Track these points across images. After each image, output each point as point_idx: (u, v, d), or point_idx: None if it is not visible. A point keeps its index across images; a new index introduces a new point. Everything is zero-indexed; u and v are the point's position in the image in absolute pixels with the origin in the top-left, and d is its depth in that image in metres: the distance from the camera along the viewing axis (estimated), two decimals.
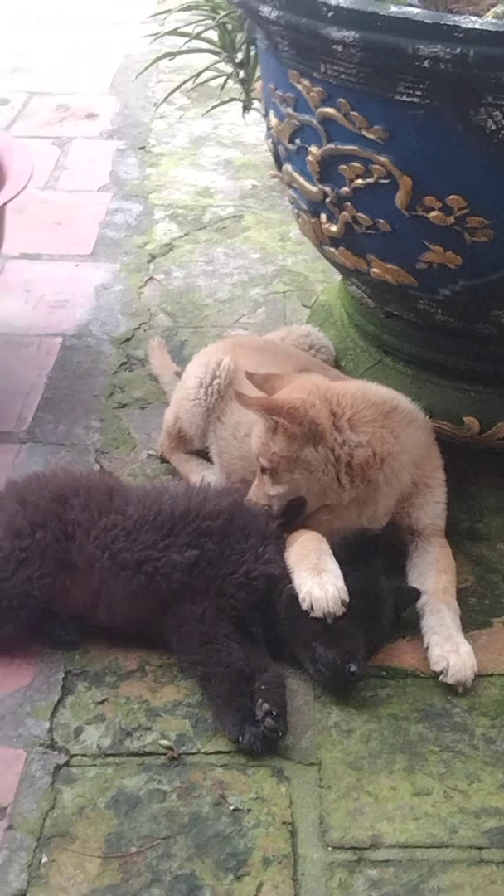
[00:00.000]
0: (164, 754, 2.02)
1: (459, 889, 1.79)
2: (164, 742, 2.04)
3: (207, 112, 3.75)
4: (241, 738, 2.01)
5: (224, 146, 4.31)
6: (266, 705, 2.03)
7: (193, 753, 2.02)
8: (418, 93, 2.17)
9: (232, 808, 1.92)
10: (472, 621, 2.27)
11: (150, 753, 2.02)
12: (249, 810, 1.92)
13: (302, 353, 2.67)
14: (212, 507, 2.27)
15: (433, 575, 2.30)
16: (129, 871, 1.82)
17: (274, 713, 2.02)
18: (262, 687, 2.07)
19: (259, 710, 2.03)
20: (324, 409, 2.26)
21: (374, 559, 2.23)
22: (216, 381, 2.55)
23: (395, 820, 1.90)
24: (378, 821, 1.90)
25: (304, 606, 2.09)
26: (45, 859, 1.84)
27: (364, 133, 2.28)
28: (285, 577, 2.18)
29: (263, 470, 2.31)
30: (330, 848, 1.86)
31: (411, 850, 1.86)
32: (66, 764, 2.00)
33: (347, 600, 2.09)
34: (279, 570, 2.19)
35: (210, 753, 2.02)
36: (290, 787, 1.96)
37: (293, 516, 2.29)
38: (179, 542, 2.20)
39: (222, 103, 3.63)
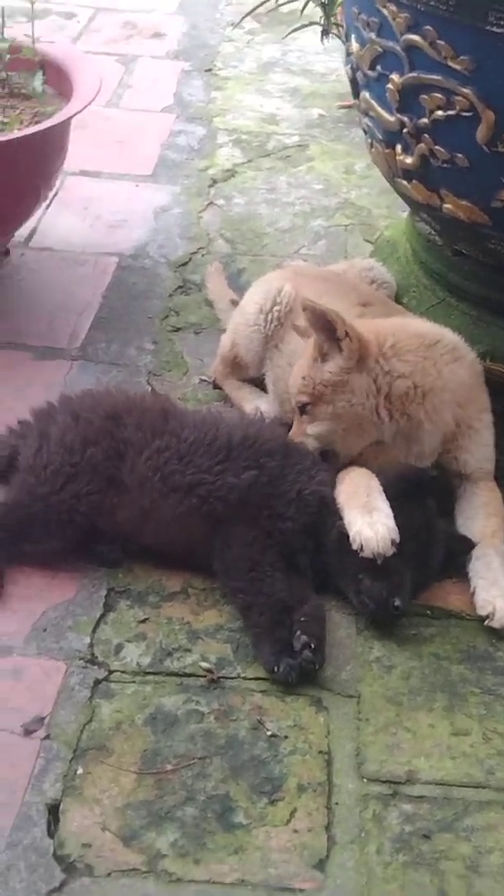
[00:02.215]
0: (204, 676, 2.01)
1: (493, 830, 1.79)
2: (204, 664, 2.03)
3: (285, 36, 3.66)
4: (276, 669, 2.00)
5: (292, 73, 4.23)
6: (304, 637, 2.02)
7: (233, 678, 2.02)
8: None
9: (269, 733, 1.92)
10: None
11: (190, 675, 2.02)
12: (286, 737, 1.92)
13: (364, 286, 2.63)
14: (270, 433, 2.26)
15: (481, 519, 2.27)
16: (164, 788, 1.83)
17: (312, 646, 2.01)
18: (303, 619, 2.06)
19: (297, 642, 2.02)
20: (369, 334, 2.24)
21: (428, 499, 2.20)
22: (276, 308, 2.52)
23: (433, 757, 1.90)
24: (415, 756, 1.89)
25: (355, 546, 2.07)
26: (80, 771, 1.85)
27: (449, 63, 2.22)
28: (335, 505, 2.16)
29: (303, 410, 2.28)
30: (365, 780, 1.86)
31: (447, 787, 1.85)
32: (106, 679, 2.00)
33: (398, 540, 2.07)
34: (329, 492, 2.17)
35: (250, 679, 2.02)
36: (329, 717, 1.96)
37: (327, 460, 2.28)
38: (237, 465, 2.18)
39: (302, 27, 3.54)
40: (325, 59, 4.18)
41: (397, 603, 2.08)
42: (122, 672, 2.02)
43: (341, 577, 2.15)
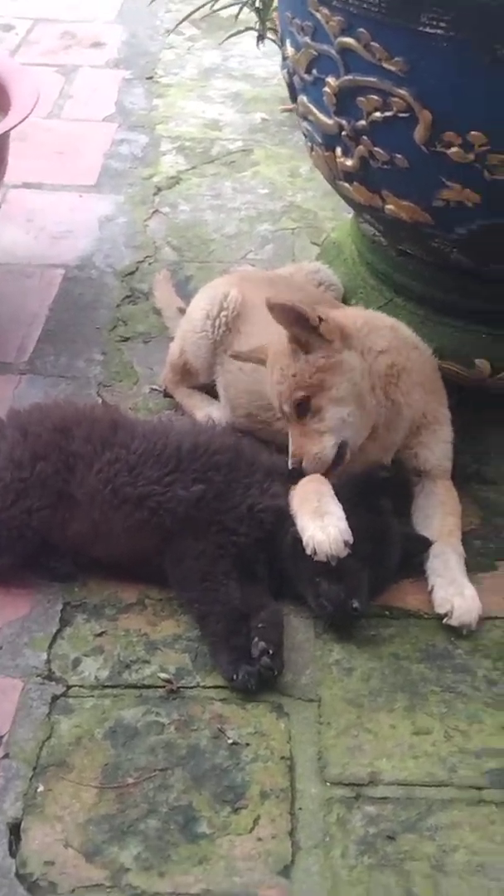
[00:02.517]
0: (163, 687, 2.00)
1: (457, 828, 1.79)
2: (163, 675, 2.02)
3: (223, 42, 3.66)
4: (235, 677, 1.99)
5: (234, 78, 4.22)
6: (262, 644, 2.01)
7: (192, 687, 2.01)
8: (442, 24, 2.12)
9: (230, 741, 1.91)
10: (477, 564, 2.25)
11: (149, 686, 2.01)
12: (248, 744, 1.91)
13: (312, 289, 2.63)
14: (220, 442, 2.25)
15: (439, 517, 2.28)
16: (126, 802, 1.82)
17: (270, 652, 2.01)
18: (260, 625, 2.06)
19: (255, 649, 2.01)
20: (339, 317, 2.27)
21: (383, 500, 2.20)
22: (223, 314, 2.51)
23: (395, 757, 1.89)
24: (377, 758, 1.89)
25: (308, 551, 2.06)
26: (41, 788, 1.83)
27: (384, 65, 2.22)
28: (291, 514, 2.16)
29: (303, 409, 2.19)
30: (328, 783, 1.85)
31: (410, 787, 1.85)
32: (64, 694, 1.99)
33: (351, 541, 2.07)
34: (285, 504, 2.17)
35: (209, 687, 2.01)
36: (290, 722, 1.95)
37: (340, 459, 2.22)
38: (186, 477, 2.17)
39: (238, 32, 3.54)
40: (266, 63, 4.18)
41: (355, 604, 2.08)
42: (81, 687, 2.00)
43: (298, 581, 2.15)
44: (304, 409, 2.20)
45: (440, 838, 1.77)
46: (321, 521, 2.09)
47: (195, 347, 2.56)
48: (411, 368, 2.30)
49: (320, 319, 2.19)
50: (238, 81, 4.20)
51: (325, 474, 2.18)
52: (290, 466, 2.19)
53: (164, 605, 2.16)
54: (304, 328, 2.20)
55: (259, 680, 1.99)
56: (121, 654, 2.06)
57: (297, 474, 2.18)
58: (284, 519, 2.15)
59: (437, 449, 2.34)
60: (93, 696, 1.99)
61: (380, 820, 1.80)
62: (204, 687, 2.01)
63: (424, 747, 1.91)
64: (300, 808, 1.81)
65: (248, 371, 2.44)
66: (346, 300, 2.75)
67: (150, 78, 4.22)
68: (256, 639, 2.03)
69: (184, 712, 1.96)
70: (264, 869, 1.72)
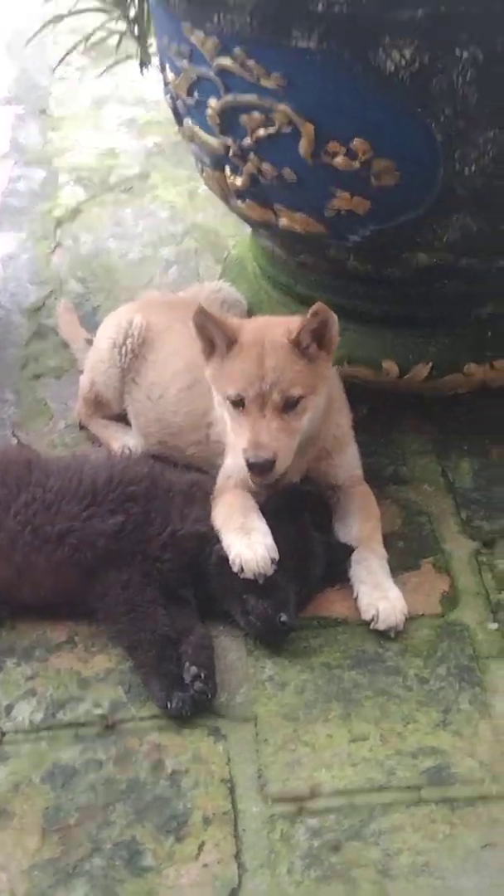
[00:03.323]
0: (99, 723, 1.99)
1: (400, 830, 1.80)
2: (98, 711, 2.01)
3: (102, 73, 3.68)
4: (169, 705, 1.99)
5: (126, 105, 4.23)
6: (194, 668, 2.02)
7: (128, 720, 2.00)
8: (315, 37, 2.14)
9: (169, 770, 1.91)
10: (402, 564, 2.27)
11: (84, 724, 2.00)
12: (187, 771, 1.91)
13: (214, 309, 2.63)
14: (134, 472, 2.24)
15: (357, 524, 2.29)
16: (69, 843, 1.80)
17: (202, 676, 2.01)
18: (189, 650, 2.06)
19: (187, 674, 2.01)
20: None
21: (303, 512, 2.21)
22: (129, 341, 2.51)
23: (333, 767, 1.90)
24: (316, 770, 1.90)
25: (235, 569, 2.07)
26: None
27: (262, 82, 2.24)
28: (214, 535, 2.16)
29: (290, 405, 2.14)
30: (270, 801, 1.85)
31: (350, 795, 1.86)
32: None
33: (277, 558, 2.08)
34: (207, 528, 2.17)
35: (145, 718, 2.00)
36: (227, 744, 1.95)
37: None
38: (103, 510, 2.17)
39: (117, 62, 3.55)
40: (157, 88, 4.16)
41: (284, 619, 2.08)
42: (15, 732, 1.98)
43: (225, 599, 2.15)
44: (291, 405, 2.16)
45: (384, 843, 1.78)
46: (248, 539, 2.09)
47: (105, 377, 2.55)
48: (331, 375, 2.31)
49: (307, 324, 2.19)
50: (131, 107, 4.22)
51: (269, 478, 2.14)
52: (254, 460, 2.10)
53: (95, 640, 2.15)
54: (313, 337, 2.19)
55: (193, 705, 1.99)
56: (54, 695, 2.05)
57: (267, 468, 2.11)
58: (206, 543, 2.15)
59: (344, 464, 2.35)
60: (28, 740, 1.97)
61: (323, 832, 1.80)
62: (140, 718, 2.00)
63: (362, 753, 1.92)
64: (244, 830, 1.81)
65: (156, 399, 2.45)
66: (251, 314, 2.76)
67: (44, 111, 4.22)
68: (188, 664, 2.03)
69: (121, 746, 1.95)
70: (212, 894, 1.72)
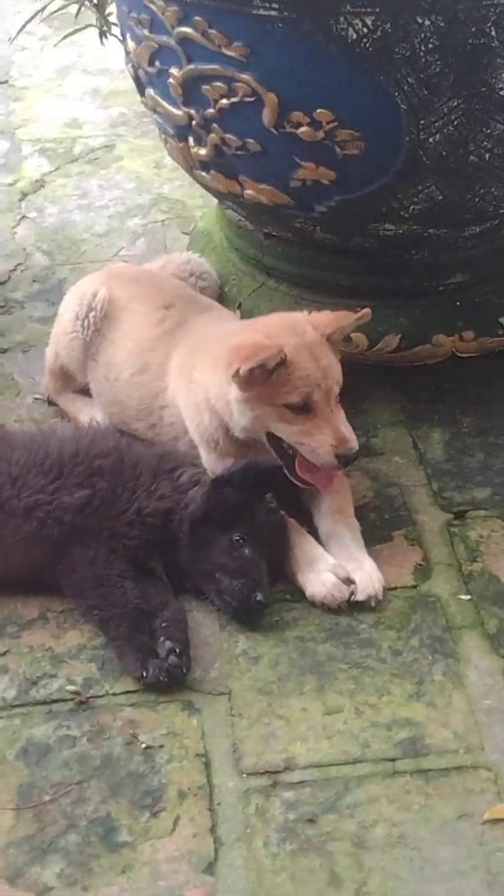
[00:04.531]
0: (72, 699, 1.99)
1: (375, 802, 1.81)
2: (71, 687, 2.01)
3: (58, 42, 3.63)
4: (145, 674, 1.99)
5: (91, 74, 4.17)
6: (168, 643, 2.02)
7: (101, 696, 2.00)
8: (276, 5, 2.13)
9: (144, 746, 1.91)
10: (374, 536, 2.27)
11: (58, 700, 1.99)
12: (162, 746, 1.91)
13: (173, 285, 2.59)
14: (102, 446, 2.23)
15: (326, 498, 2.27)
16: (44, 820, 1.80)
17: (177, 651, 2.01)
18: (164, 624, 2.06)
19: (161, 649, 2.01)
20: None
21: (270, 488, 2.20)
22: (91, 314, 2.48)
23: (308, 740, 1.90)
24: (291, 743, 1.90)
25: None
26: None
27: (224, 51, 2.22)
28: (182, 507, 2.15)
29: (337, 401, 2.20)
30: (245, 775, 1.86)
31: (325, 768, 1.86)
32: None
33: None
34: (174, 504, 2.16)
35: (118, 694, 2.00)
36: (202, 718, 1.95)
37: None
38: (69, 483, 2.16)
39: (75, 31, 3.50)
40: (122, 56, 4.12)
41: (259, 597, 2.08)
42: None
43: (199, 577, 2.15)
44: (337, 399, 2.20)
45: (359, 815, 1.79)
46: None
47: (68, 350, 2.53)
48: None
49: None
50: (95, 77, 4.16)
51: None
52: (348, 454, 2.15)
53: (67, 616, 2.14)
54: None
55: (169, 675, 1.98)
56: (26, 672, 2.04)
57: (354, 459, 2.18)
58: (173, 518, 2.14)
59: None
60: (1, 717, 1.96)
61: (298, 805, 1.81)
62: (113, 694, 2.00)
63: (336, 726, 1.93)
64: (219, 804, 1.82)
65: (112, 380, 2.44)
66: (220, 287, 2.74)
67: (5, 82, 4.15)
68: (162, 638, 2.03)
69: (95, 722, 1.95)
70: (188, 869, 1.73)
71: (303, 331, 2.20)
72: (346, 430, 2.17)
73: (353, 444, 2.16)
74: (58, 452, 2.19)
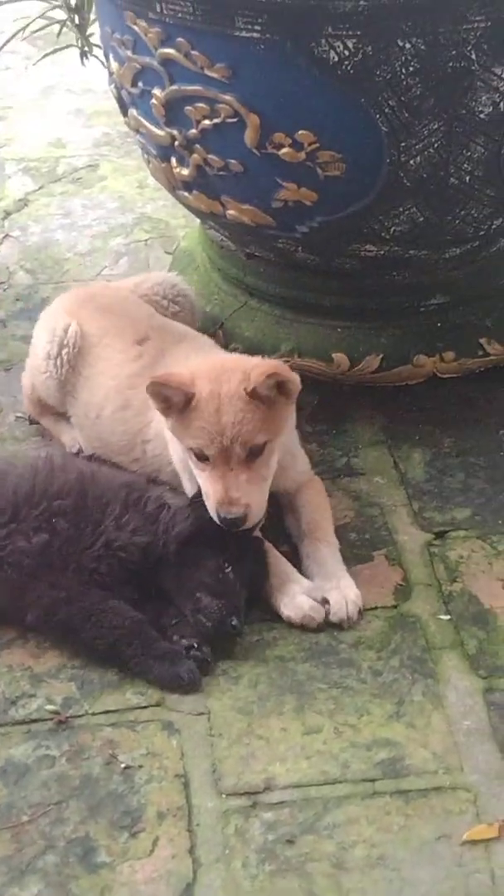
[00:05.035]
0: (51, 719, 1.98)
1: (354, 823, 1.80)
2: (50, 707, 2.00)
3: (38, 62, 3.64)
4: (183, 679, 1.99)
5: (75, 94, 4.19)
6: (184, 640, 2.04)
7: (81, 716, 1.99)
8: (258, 27, 2.14)
9: (123, 766, 1.90)
10: (354, 556, 2.27)
11: (36, 720, 1.98)
12: (141, 766, 1.90)
13: (146, 311, 2.54)
14: (62, 482, 2.17)
15: (305, 517, 2.27)
16: (22, 841, 1.79)
17: (196, 644, 2.03)
18: (173, 622, 2.07)
19: (180, 647, 2.03)
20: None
21: None
22: (65, 352, 2.43)
23: (288, 761, 1.90)
24: (270, 763, 1.89)
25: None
26: None
27: (206, 72, 2.23)
28: (163, 532, 2.13)
29: (251, 457, 2.08)
30: (224, 795, 1.85)
31: (305, 789, 1.86)
32: None
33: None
34: (152, 538, 2.12)
35: (98, 713, 1.99)
36: (181, 738, 1.94)
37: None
38: (25, 527, 2.11)
39: (55, 51, 3.52)
40: (105, 76, 4.14)
41: (234, 622, 2.07)
42: None
43: (178, 594, 2.14)
44: (256, 453, 2.09)
45: (338, 836, 1.78)
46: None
47: (44, 386, 2.50)
48: None
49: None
50: (79, 97, 4.17)
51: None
52: (225, 516, 2.06)
53: (46, 635, 2.13)
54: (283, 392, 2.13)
55: (201, 668, 2.02)
56: (5, 691, 2.03)
57: (238, 524, 2.07)
58: (153, 552, 2.12)
59: (296, 473, 2.32)
60: None
61: (278, 825, 1.80)
62: (93, 714, 1.99)
63: (316, 746, 1.92)
64: (198, 824, 1.81)
65: (93, 419, 2.42)
66: (202, 307, 2.75)
67: None
68: (175, 637, 2.05)
69: (74, 742, 1.94)
70: (167, 890, 1.72)
71: (227, 380, 2.09)
72: (236, 493, 2.05)
73: (236, 509, 2.05)
74: (13, 492, 2.14)
